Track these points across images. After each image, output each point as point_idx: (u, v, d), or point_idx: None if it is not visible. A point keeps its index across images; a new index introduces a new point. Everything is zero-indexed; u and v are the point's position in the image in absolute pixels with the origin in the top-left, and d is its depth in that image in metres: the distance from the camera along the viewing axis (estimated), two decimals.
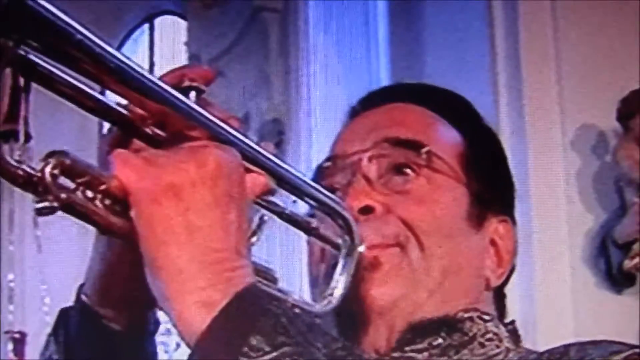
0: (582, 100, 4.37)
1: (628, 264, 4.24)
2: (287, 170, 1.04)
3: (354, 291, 1.15)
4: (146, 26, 7.48)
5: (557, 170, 4.33)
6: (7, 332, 5.58)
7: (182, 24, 7.05)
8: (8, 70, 0.83)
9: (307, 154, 5.35)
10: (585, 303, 4.20)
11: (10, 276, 5.65)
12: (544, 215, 4.23)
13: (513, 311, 1.30)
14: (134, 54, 7.38)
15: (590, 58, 4.38)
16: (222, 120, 0.97)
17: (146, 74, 0.91)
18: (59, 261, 5.99)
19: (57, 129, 5.94)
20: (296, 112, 5.66)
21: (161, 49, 7.36)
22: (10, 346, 5.49)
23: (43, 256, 5.22)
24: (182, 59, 6.69)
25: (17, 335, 5.54)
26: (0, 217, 6.25)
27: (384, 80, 5.32)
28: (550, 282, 4.21)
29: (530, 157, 4.28)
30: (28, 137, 0.85)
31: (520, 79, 4.42)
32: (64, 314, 1.09)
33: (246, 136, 0.99)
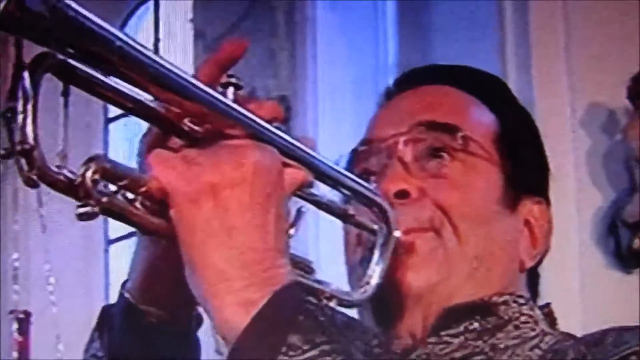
0: (592, 79, 4.34)
1: (637, 243, 4.22)
2: (324, 163, 1.05)
3: (390, 276, 1.15)
4: (151, 3, 7.43)
5: (567, 149, 4.30)
6: (11, 312, 5.57)
7: (188, 0, 7.01)
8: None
9: (314, 131, 5.34)
10: (594, 282, 4.19)
11: (15, 255, 5.64)
12: (553, 194, 4.20)
13: None
14: (139, 31, 7.34)
15: (600, 36, 4.36)
16: (260, 116, 0.98)
17: (185, 75, 0.92)
18: (63, 240, 5.98)
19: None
20: (303, 89, 5.64)
21: (166, 26, 7.31)
22: (15, 326, 5.49)
23: (47, 235, 5.22)
24: (188, 37, 6.67)
25: (21, 315, 5.54)
26: (4, 197, 6.26)
27: (392, 58, 5.30)
28: (559, 261, 4.18)
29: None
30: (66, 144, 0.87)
31: (529, 57, 4.40)
32: (106, 310, 1.11)
33: (284, 131, 1.01)
